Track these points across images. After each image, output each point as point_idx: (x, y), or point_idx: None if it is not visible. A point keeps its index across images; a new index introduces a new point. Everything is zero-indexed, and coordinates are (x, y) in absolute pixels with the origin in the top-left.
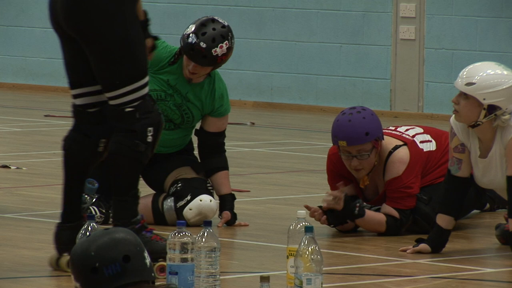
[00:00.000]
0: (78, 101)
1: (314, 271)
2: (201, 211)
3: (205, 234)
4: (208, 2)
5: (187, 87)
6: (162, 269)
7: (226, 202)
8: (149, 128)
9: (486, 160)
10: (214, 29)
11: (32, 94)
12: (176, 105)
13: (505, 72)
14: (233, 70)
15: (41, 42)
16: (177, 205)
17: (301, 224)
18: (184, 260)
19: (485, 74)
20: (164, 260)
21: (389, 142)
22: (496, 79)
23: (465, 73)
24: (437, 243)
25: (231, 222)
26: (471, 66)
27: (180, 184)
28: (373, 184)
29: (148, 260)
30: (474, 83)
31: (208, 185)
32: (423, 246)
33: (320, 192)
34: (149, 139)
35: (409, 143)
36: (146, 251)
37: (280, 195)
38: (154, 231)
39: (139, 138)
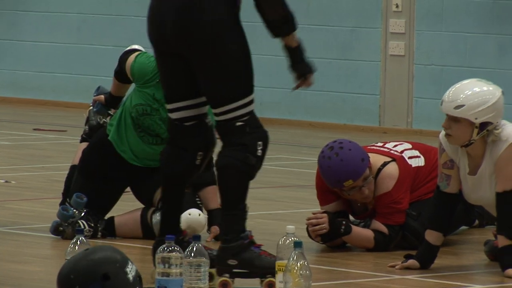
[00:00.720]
0: (175, 115)
1: (303, 287)
2: (190, 225)
3: (194, 249)
4: None
5: None
6: (270, 286)
7: (215, 216)
8: (259, 142)
9: (475, 177)
10: None
11: (21, 107)
12: (162, 119)
13: (490, 88)
14: None
15: (31, 56)
16: None
17: (290, 239)
18: (173, 274)
19: (470, 93)
20: (273, 276)
21: (377, 159)
22: (482, 96)
23: (450, 97)
24: (425, 259)
25: (220, 236)
26: (453, 88)
27: None
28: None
29: (131, 275)
30: (463, 105)
31: (197, 199)
32: (411, 262)
33: (309, 208)
34: (259, 153)
35: (398, 159)
36: (129, 266)
37: (269, 210)
38: (263, 247)
39: (250, 151)
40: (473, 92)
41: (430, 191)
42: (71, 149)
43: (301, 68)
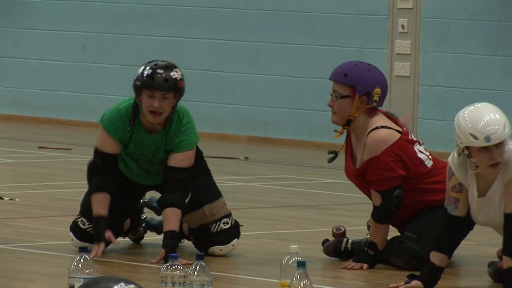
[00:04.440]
0: None
1: None
2: None
3: (197, 267)
4: (203, 36)
5: (152, 139)
6: None
7: (165, 239)
8: None
9: (484, 198)
10: (162, 60)
11: (26, 125)
12: (149, 160)
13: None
14: (228, 104)
15: (36, 74)
16: None
17: (294, 259)
18: None
19: (500, 116)
20: None
21: (381, 121)
22: (503, 117)
23: (496, 127)
24: (429, 280)
25: (165, 260)
26: (486, 120)
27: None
28: (360, 155)
29: None
30: (505, 128)
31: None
32: (415, 283)
33: (313, 228)
34: None
35: (404, 134)
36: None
37: (273, 230)
38: None
39: None
40: (500, 114)
41: (433, 199)
42: (76, 168)
43: None
